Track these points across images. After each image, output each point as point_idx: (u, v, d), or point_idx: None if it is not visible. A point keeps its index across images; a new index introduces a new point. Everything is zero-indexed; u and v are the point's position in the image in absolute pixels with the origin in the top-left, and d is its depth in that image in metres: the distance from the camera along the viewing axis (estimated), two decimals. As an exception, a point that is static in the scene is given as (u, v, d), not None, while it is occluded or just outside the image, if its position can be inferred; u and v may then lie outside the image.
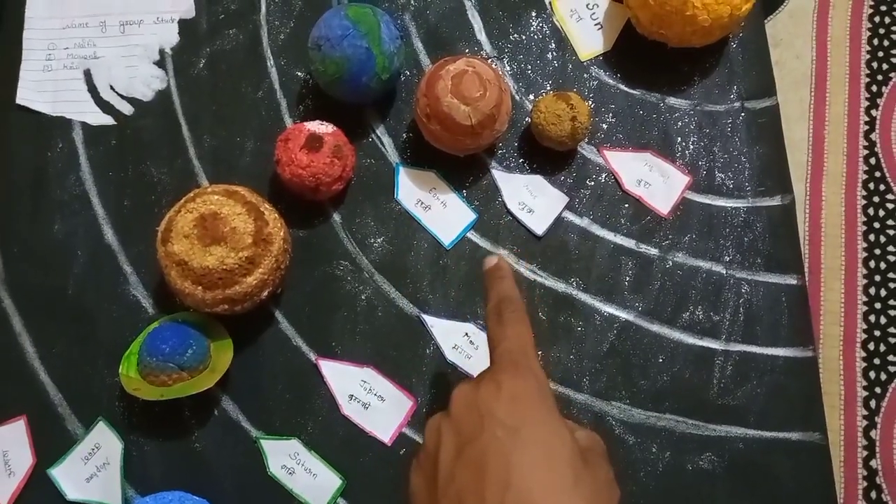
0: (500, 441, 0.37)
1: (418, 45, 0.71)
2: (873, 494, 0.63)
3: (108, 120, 0.68)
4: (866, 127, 0.72)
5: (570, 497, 0.36)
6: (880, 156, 0.73)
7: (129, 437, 0.61)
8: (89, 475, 0.60)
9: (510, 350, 0.43)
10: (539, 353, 0.63)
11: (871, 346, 0.66)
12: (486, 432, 0.37)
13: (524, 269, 0.65)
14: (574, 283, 0.65)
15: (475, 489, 0.36)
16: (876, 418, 0.64)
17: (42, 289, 0.64)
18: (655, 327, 0.64)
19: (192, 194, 0.58)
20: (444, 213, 0.66)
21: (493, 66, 0.65)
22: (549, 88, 0.70)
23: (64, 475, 0.60)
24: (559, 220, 0.67)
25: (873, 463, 0.63)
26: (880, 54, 0.79)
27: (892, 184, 0.70)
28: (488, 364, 0.44)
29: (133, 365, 0.59)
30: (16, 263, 0.65)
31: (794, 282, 0.66)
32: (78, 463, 0.61)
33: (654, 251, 0.66)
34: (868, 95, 0.74)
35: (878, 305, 0.69)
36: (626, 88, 0.70)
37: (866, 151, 0.71)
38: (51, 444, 0.61)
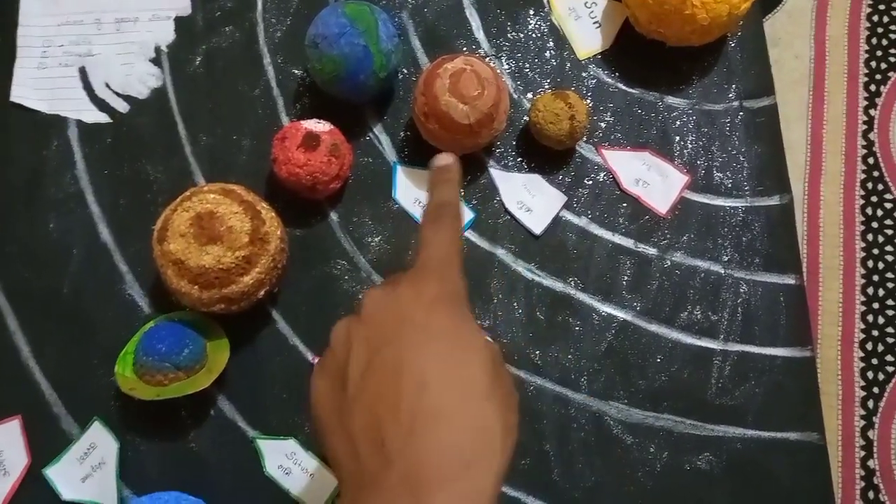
0: (418, 345, 0.36)
1: (416, 43, 0.71)
2: (871, 494, 0.63)
3: (103, 118, 0.68)
4: (865, 126, 0.71)
5: (485, 400, 0.35)
6: (879, 155, 0.73)
7: (125, 436, 0.61)
8: (85, 475, 0.60)
9: (437, 257, 0.41)
10: (537, 352, 0.63)
11: (870, 346, 0.65)
12: (404, 336, 0.36)
13: (522, 269, 0.65)
14: (572, 283, 0.65)
15: (391, 396, 0.34)
16: (874, 418, 0.64)
17: (37, 288, 0.64)
18: (654, 327, 0.64)
19: (188, 193, 0.58)
20: (441, 212, 0.66)
21: (491, 64, 0.65)
22: (547, 87, 0.70)
23: (59, 475, 0.60)
24: (557, 220, 0.66)
25: (871, 463, 0.63)
26: (879, 53, 0.79)
27: (890, 183, 0.70)
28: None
29: (129, 364, 0.58)
30: (10, 262, 0.65)
31: (792, 281, 0.66)
32: (73, 463, 0.60)
33: (652, 251, 0.66)
34: (867, 95, 0.74)
35: (876, 305, 0.69)
36: (624, 87, 0.70)
37: (865, 151, 0.71)
38: (46, 444, 0.61)
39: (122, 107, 0.68)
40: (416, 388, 0.34)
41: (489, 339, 0.43)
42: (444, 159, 0.46)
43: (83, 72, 0.69)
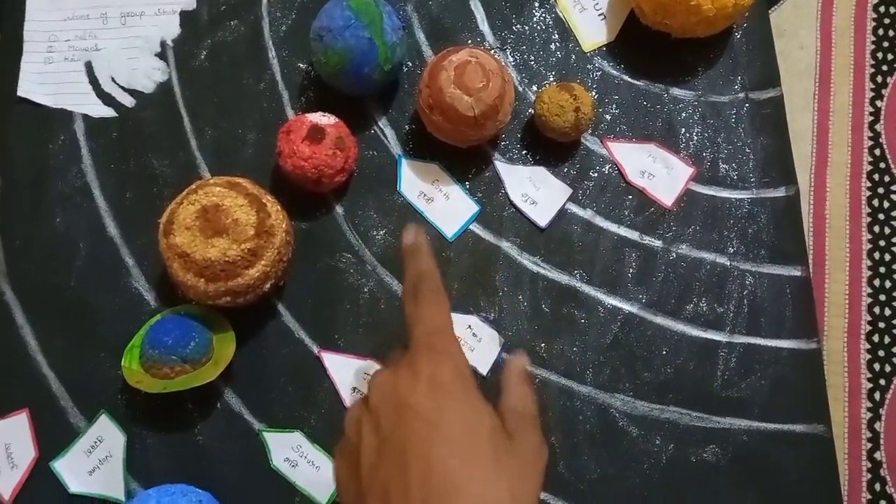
0: (419, 433, 0.37)
1: (420, 36, 0.70)
2: (877, 486, 0.62)
3: (109, 112, 0.68)
4: (871, 118, 0.71)
5: (491, 476, 0.36)
6: (885, 147, 0.72)
7: (132, 429, 0.61)
8: (92, 468, 0.60)
9: (427, 333, 0.42)
10: (542, 344, 0.63)
11: (876, 338, 0.65)
12: (405, 425, 0.37)
13: (527, 262, 0.65)
14: (577, 275, 0.65)
15: (400, 481, 0.36)
16: (880, 410, 0.64)
17: (44, 282, 0.64)
18: (659, 319, 0.64)
19: (193, 186, 0.58)
20: (446, 206, 0.66)
21: (496, 56, 0.64)
22: (552, 79, 0.70)
23: (66, 468, 0.60)
24: (562, 212, 0.66)
25: (877, 455, 0.63)
26: (885, 45, 0.78)
27: (896, 175, 0.70)
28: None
29: (135, 357, 0.59)
30: (17, 256, 0.65)
31: (798, 273, 0.65)
32: (80, 456, 0.61)
33: (657, 243, 0.66)
34: (873, 86, 0.73)
35: (882, 297, 0.69)
36: (629, 79, 0.70)
37: (871, 142, 0.70)
38: (53, 437, 0.61)
39: (127, 101, 0.68)
40: (422, 478, 0.36)
41: (517, 393, 0.44)
42: (409, 237, 0.48)
43: (89, 66, 0.69)
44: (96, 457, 0.61)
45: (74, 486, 0.60)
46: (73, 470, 0.60)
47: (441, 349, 0.41)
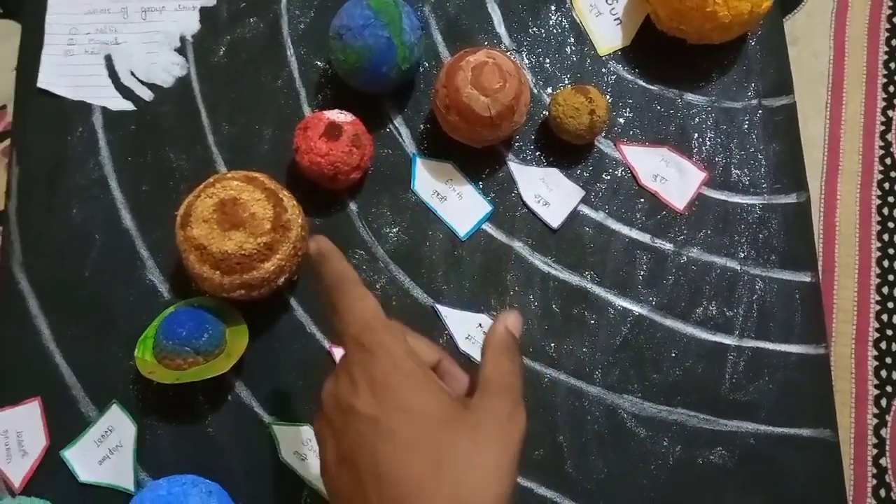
0: (363, 436, 0.37)
1: (437, 36, 0.71)
2: (882, 492, 0.63)
3: (128, 105, 0.69)
4: (882, 127, 0.72)
5: (443, 467, 0.36)
6: (896, 156, 0.73)
7: (143, 420, 0.61)
8: (102, 457, 0.61)
9: (355, 333, 0.41)
10: (552, 344, 0.63)
11: (884, 345, 0.66)
12: (352, 431, 0.37)
13: (539, 262, 0.66)
14: (588, 277, 0.65)
15: (357, 488, 0.37)
16: (887, 416, 0.64)
17: (59, 272, 0.65)
18: (669, 322, 0.65)
19: (211, 179, 0.58)
20: (459, 205, 0.67)
21: (513, 58, 0.65)
22: (567, 82, 0.70)
23: (77, 457, 0.61)
24: (575, 214, 0.67)
25: (883, 461, 0.63)
26: (898, 55, 0.79)
27: (907, 184, 0.70)
28: None
29: (149, 348, 0.59)
30: (33, 246, 0.65)
31: (807, 279, 0.66)
32: (91, 445, 0.61)
33: (668, 246, 0.66)
34: (885, 96, 0.74)
35: (890, 305, 0.69)
36: (644, 84, 0.70)
37: (882, 151, 0.71)
38: (64, 426, 0.61)
39: (146, 95, 0.69)
40: (375, 482, 0.36)
41: (490, 360, 0.42)
42: (312, 247, 0.45)
43: (109, 60, 0.70)
44: (107, 446, 0.61)
45: (84, 475, 0.60)
46: (83, 459, 0.61)
47: (372, 346, 0.40)
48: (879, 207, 0.69)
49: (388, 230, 0.66)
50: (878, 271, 0.68)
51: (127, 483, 0.60)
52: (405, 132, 0.68)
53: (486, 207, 0.67)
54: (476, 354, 0.63)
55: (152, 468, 0.61)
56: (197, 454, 0.61)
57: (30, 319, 0.64)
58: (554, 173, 0.68)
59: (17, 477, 0.60)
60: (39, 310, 0.64)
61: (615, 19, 0.72)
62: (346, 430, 0.38)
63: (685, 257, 0.66)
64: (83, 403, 0.62)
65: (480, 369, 0.41)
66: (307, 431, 0.61)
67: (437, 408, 0.37)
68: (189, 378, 0.56)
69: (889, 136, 0.73)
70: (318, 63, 0.70)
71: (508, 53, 0.70)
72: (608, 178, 0.68)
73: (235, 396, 0.62)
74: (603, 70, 0.71)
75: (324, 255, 0.44)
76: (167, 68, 0.70)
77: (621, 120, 0.69)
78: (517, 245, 0.66)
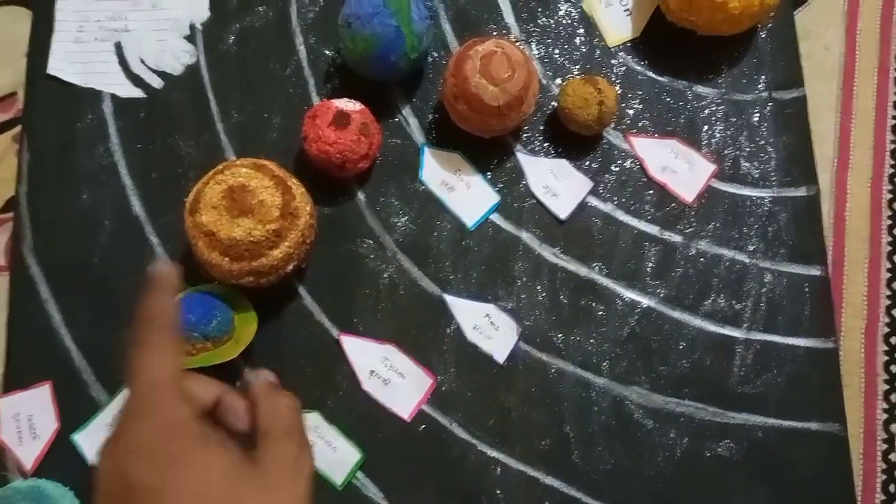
0: (140, 480, 0.34)
1: (446, 26, 0.71)
2: (892, 488, 0.62)
3: (137, 93, 0.69)
4: (894, 121, 0.71)
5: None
6: (907, 151, 0.72)
7: (152, 406, 0.62)
8: (111, 442, 0.61)
9: (142, 387, 0.37)
10: (560, 335, 0.63)
11: (894, 340, 0.65)
12: (122, 487, 0.34)
13: (547, 253, 0.66)
14: (596, 268, 0.65)
15: None
16: (896, 412, 0.64)
17: (69, 257, 0.65)
18: (677, 314, 0.64)
19: (220, 166, 0.59)
20: (467, 195, 0.67)
21: (522, 48, 0.65)
22: (576, 73, 0.70)
23: (87, 440, 0.61)
24: (583, 205, 0.67)
25: (893, 456, 0.63)
26: (910, 49, 0.78)
27: (918, 179, 0.70)
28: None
29: (158, 334, 0.59)
30: (44, 231, 0.66)
31: (817, 273, 0.66)
32: (102, 429, 0.61)
33: (677, 238, 0.66)
34: (897, 90, 0.74)
35: (901, 300, 0.69)
36: (653, 75, 0.70)
37: (893, 146, 0.70)
38: (75, 410, 0.62)
39: (156, 82, 0.69)
40: None
41: (270, 404, 0.41)
42: (158, 269, 0.41)
43: (119, 47, 0.70)
44: (116, 431, 0.61)
45: (95, 459, 0.61)
46: (93, 443, 0.61)
47: (156, 409, 0.36)
48: (890, 202, 0.69)
49: (396, 220, 0.66)
50: (888, 266, 0.67)
51: (135, 468, 0.60)
52: (413, 122, 0.68)
53: (494, 198, 0.66)
54: (483, 345, 0.63)
55: (160, 454, 0.61)
56: (204, 440, 0.61)
57: (40, 303, 0.64)
58: (562, 164, 0.67)
59: (29, 460, 0.61)
60: (50, 294, 0.64)
61: (625, 10, 0.71)
62: (123, 493, 0.34)
63: (694, 250, 0.66)
64: (94, 387, 0.62)
65: (257, 419, 0.39)
66: (315, 419, 0.61)
67: (221, 470, 0.35)
68: (197, 364, 0.56)
69: (901, 130, 0.73)
70: (327, 52, 0.70)
71: (517, 43, 0.70)
72: (617, 169, 0.68)
73: (243, 383, 0.62)
74: (612, 61, 0.70)
75: (156, 283, 0.40)
76: (176, 56, 0.70)
77: (630, 111, 0.69)
78: (525, 236, 0.66)
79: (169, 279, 0.40)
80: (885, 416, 0.64)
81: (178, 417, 0.36)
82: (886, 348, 0.66)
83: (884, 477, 0.63)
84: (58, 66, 0.69)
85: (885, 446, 0.64)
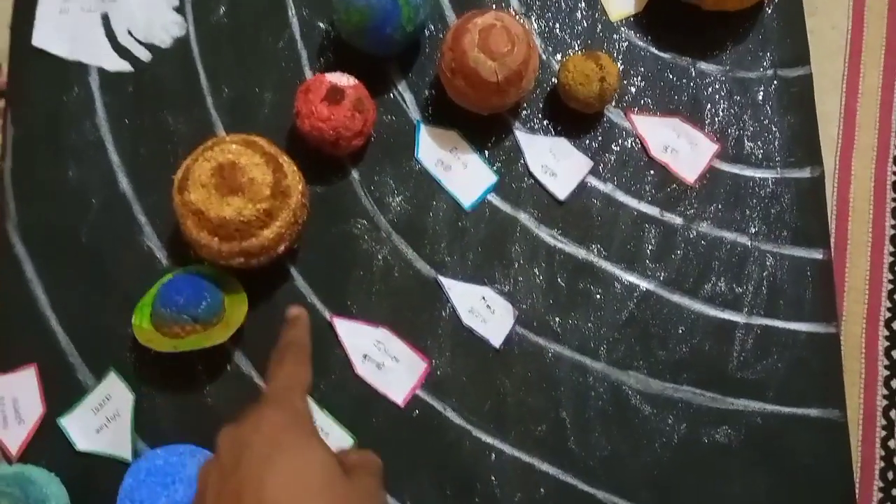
0: (255, 469, 0.39)
1: (444, -1, 0.69)
2: (890, 475, 0.62)
3: (125, 66, 0.67)
4: (901, 102, 0.70)
5: (316, 499, 0.39)
6: (913, 131, 0.71)
7: (141, 389, 0.61)
8: (99, 426, 0.60)
9: (278, 387, 0.47)
10: (557, 318, 0.62)
11: (895, 325, 0.64)
12: (243, 463, 0.40)
13: (545, 234, 0.64)
14: (595, 250, 0.64)
15: None
16: (896, 398, 0.63)
17: (54, 236, 0.63)
18: (676, 297, 0.63)
19: (209, 143, 0.57)
20: (464, 174, 0.65)
21: (522, 22, 0.63)
22: (577, 49, 0.68)
23: (73, 425, 0.60)
24: (582, 185, 0.65)
25: (891, 443, 0.62)
26: (917, 27, 0.76)
27: (923, 161, 0.68)
28: None
29: (146, 316, 0.58)
30: (29, 209, 0.64)
31: (819, 256, 0.64)
32: (88, 413, 0.60)
33: (678, 220, 0.65)
34: (904, 68, 0.72)
35: (903, 284, 0.68)
36: (656, 51, 0.68)
37: (900, 127, 0.69)
38: (61, 394, 0.61)
39: (144, 55, 0.67)
40: None
41: (360, 452, 0.47)
42: (294, 311, 0.53)
43: (105, 18, 0.68)
44: (104, 415, 0.60)
45: (81, 443, 0.60)
46: (80, 427, 0.60)
47: (285, 402, 0.45)
48: (895, 184, 0.68)
49: (390, 199, 0.65)
50: (891, 249, 0.66)
51: (124, 452, 0.59)
52: (409, 98, 0.67)
53: (491, 177, 0.65)
54: (478, 328, 0.62)
55: (150, 437, 0.60)
56: (195, 424, 0.60)
57: (25, 284, 0.63)
58: (562, 143, 0.66)
59: (14, 445, 0.60)
60: (35, 274, 0.63)
61: (628, -16, 0.69)
62: (238, 465, 0.40)
63: (695, 232, 0.64)
64: (80, 371, 0.61)
65: (350, 458, 0.45)
66: (306, 402, 0.60)
67: (322, 464, 0.41)
68: (187, 347, 0.55)
69: (907, 110, 0.71)
70: (321, 24, 0.68)
71: (517, 17, 0.68)
72: (617, 148, 0.66)
73: (234, 366, 0.61)
74: (614, 36, 0.69)
75: (296, 322, 0.52)
76: (166, 28, 0.68)
77: (632, 88, 0.67)
78: (523, 217, 0.64)
79: (302, 318, 0.53)
80: (884, 402, 0.64)
81: (302, 413, 0.45)
82: (888, 333, 0.65)
83: (882, 464, 0.62)
84: (43, 37, 0.67)
85: (884, 433, 0.63)
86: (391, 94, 0.67)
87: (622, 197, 0.65)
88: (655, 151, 0.66)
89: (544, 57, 0.68)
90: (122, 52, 0.67)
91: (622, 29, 0.69)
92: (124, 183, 0.65)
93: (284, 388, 0.46)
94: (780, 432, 0.61)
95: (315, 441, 0.42)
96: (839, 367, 0.63)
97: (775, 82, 0.68)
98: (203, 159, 0.55)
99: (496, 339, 0.62)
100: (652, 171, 0.66)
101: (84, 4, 0.68)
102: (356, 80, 0.61)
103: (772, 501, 0.60)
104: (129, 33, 0.67)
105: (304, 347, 0.51)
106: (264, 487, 0.38)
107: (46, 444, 0.60)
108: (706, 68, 0.68)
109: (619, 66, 0.67)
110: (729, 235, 0.65)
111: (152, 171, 0.64)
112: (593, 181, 0.65)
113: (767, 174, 0.66)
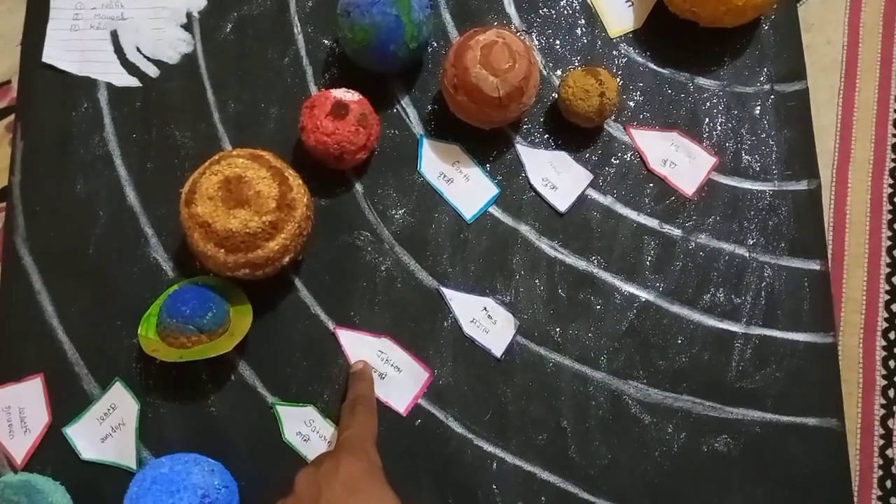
0: (337, 496, 0.45)
1: (446, 16, 0.70)
2: (888, 484, 0.62)
3: (133, 82, 0.68)
4: (895, 115, 0.71)
5: None
6: (909, 145, 0.72)
7: (146, 398, 0.61)
8: (104, 435, 0.61)
9: (353, 436, 0.52)
10: (557, 329, 0.63)
11: (892, 336, 0.65)
12: (324, 495, 0.45)
13: (545, 246, 0.65)
14: (595, 261, 0.65)
15: None
16: (894, 408, 0.64)
17: (63, 248, 0.64)
18: (676, 308, 0.64)
19: (217, 157, 0.58)
20: (466, 187, 0.66)
21: (523, 39, 0.64)
22: (577, 65, 0.69)
23: (79, 434, 0.61)
24: (582, 198, 0.66)
25: (889, 452, 0.63)
26: (912, 43, 0.77)
27: (919, 174, 0.69)
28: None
29: (152, 326, 0.59)
30: (37, 222, 0.65)
31: (817, 267, 0.65)
32: (93, 422, 0.61)
33: (677, 232, 0.66)
34: (899, 83, 0.73)
35: (900, 295, 0.68)
36: (654, 67, 0.69)
37: (895, 139, 0.70)
38: (67, 403, 0.61)
39: (152, 71, 0.68)
40: None
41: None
42: (358, 366, 0.60)
43: (115, 35, 0.69)
44: (109, 424, 0.61)
45: (87, 452, 0.60)
46: (85, 436, 0.61)
47: (361, 450, 0.50)
48: (891, 196, 0.68)
49: (393, 211, 0.65)
50: (888, 261, 0.67)
51: (129, 461, 0.60)
52: (412, 113, 0.68)
53: (492, 190, 0.66)
54: (480, 338, 0.63)
55: (155, 446, 0.61)
56: (199, 433, 0.61)
57: (33, 295, 0.64)
58: (562, 156, 0.67)
59: (20, 453, 0.60)
60: (42, 285, 0.64)
61: (627, 1, 0.71)
62: (318, 497, 0.45)
63: (693, 243, 0.65)
64: (86, 380, 0.62)
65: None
66: (310, 412, 0.61)
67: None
68: (192, 356, 0.56)
69: (902, 125, 0.72)
70: (326, 41, 0.69)
71: (518, 34, 0.69)
72: (617, 162, 0.67)
73: (239, 376, 0.62)
74: (614, 52, 0.70)
75: (362, 375, 0.59)
76: (173, 45, 0.69)
77: (631, 103, 0.68)
78: (524, 228, 0.65)
79: (367, 372, 0.60)
80: (882, 411, 0.64)
81: (375, 461, 0.50)
82: (885, 343, 0.65)
83: (880, 472, 0.63)
84: (53, 54, 0.68)
85: (881, 442, 0.64)
86: (394, 109, 0.68)
87: (622, 209, 0.66)
88: (654, 164, 0.67)
89: (545, 72, 0.69)
90: (131, 68, 0.69)
91: (621, 45, 0.70)
92: (132, 196, 0.66)
93: (359, 438, 0.52)
94: (779, 441, 0.61)
95: (386, 489, 0.47)
96: (837, 376, 0.63)
97: (772, 97, 0.69)
98: (210, 173, 0.56)
99: (497, 349, 0.63)
100: (651, 184, 0.67)
101: (93, 22, 0.69)
102: (360, 96, 0.63)
103: (771, 510, 0.60)
104: (138, 50, 0.69)
105: (371, 400, 0.58)
106: None
107: (52, 453, 0.60)
108: (704, 83, 0.69)
109: (619, 81, 0.68)
110: (727, 247, 0.65)
111: (159, 185, 0.66)
112: (593, 194, 0.66)
113: (765, 187, 0.67)
